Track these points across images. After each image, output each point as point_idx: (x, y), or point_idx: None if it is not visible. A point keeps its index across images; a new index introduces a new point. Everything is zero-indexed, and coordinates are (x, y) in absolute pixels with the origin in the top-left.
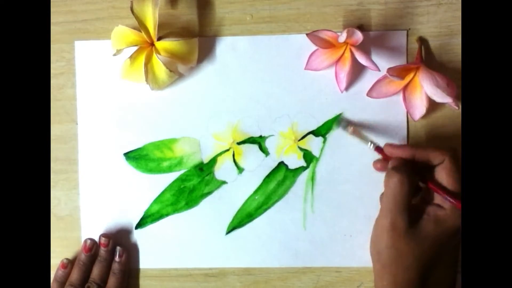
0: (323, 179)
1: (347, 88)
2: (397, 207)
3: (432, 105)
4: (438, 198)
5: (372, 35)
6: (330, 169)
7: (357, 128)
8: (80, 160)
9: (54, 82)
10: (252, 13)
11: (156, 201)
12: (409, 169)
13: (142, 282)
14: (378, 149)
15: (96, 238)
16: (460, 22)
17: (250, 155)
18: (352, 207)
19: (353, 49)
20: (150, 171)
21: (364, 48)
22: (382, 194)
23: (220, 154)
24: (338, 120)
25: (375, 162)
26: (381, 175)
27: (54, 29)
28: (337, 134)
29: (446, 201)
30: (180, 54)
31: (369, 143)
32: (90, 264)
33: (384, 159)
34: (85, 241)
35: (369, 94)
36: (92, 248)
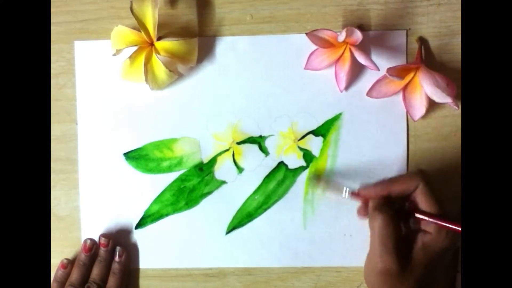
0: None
1: (346, 88)
2: (387, 248)
3: (432, 105)
4: (422, 223)
5: (372, 35)
6: (330, 169)
7: (328, 180)
8: (80, 160)
9: (54, 82)
10: (252, 13)
11: (156, 201)
12: (390, 207)
13: (142, 282)
14: (353, 194)
15: (96, 238)
16: (460, 22)
17: (250, 155)
18: (352, 207)
19: (353, 49)
20: (150, 171)
21: (364, 47)
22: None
23: (220, 154)
24: (310, 180)
25: (359, 211)
26: (381, 175)
27: (54, 29)
28: (337, 134)
29: (430, 224)
30: (179, 54)
31: (344, 191)
32: (90, 264)
33: (364, 203)
34: (85, 241)
35: (369, 94)
36: (92, 248)
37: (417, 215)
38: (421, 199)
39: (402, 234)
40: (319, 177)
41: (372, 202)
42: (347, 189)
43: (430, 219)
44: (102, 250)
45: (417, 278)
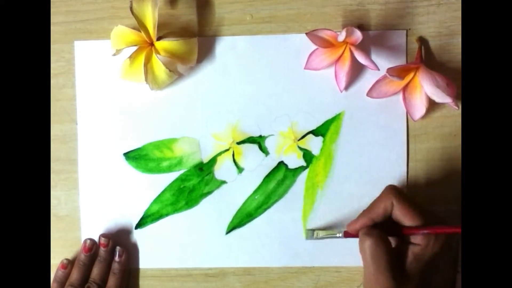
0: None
1: (346, 88)
2: (380, 268)
3: (432, 105)
4: (410, 237)
5: (372, 35)
6: (329, 169)
7: (321, 231)
8: (80, 160)
9: (54, 82)
10: (252, 13)
11: (156, 201)
12: (377, 230)
13: (142, 282)
14: (346, 233)
15: (96, 238)
16: (460, 22)
17: (250, 155)
18: (352, 207)
19: (353, 49)
20: (150, 171)
21: (364, 47)
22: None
23: (220, 153)
24: (306, 233)
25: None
26: (381, 175)
27: (54, 29)
28: (336, 134)
29: (418, 236)
30: (179, 54)
31: (337, 233)
32: (90, 264)
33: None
34: (85, 241)
35: (369, 94)
36: (92, 248)
37: (406, 232)
38: (400, 215)
39: (393, 252)
40: (313, 230)
41: (361, 231)
42: (339, 232)
43: (418, 231)
44: (102, 250)
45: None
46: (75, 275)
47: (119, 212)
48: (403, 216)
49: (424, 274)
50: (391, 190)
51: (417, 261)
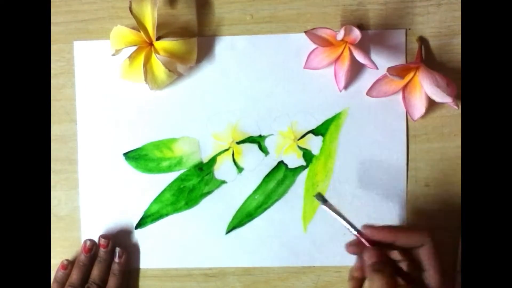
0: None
1: (346, 87)
2: None
3: (432, 105)
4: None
5: (371, 34)
6: (329, 168)
7: (333, 207)
8: (80, 160)
9: (54, 82)
10: (252, 13)
11: (156, 201)
12: (390, 268)
13: (142, 282)
14: (358, 232)
15: (96, 239)
16: (460, 22)
17: (249, 155)
18: (352, 207)
19: (352, 48)
20: (150, 171)
21: (363, 47)
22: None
23: (220, 153)
24: (317, 196)
25: (349, 246)
26: (381, 175)
27: (53, 29)
28: (336, 133)
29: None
30: (179, 53)
31: (350, 227)
32: (90, 265)
33: (359, 242)
34: (85, 242)
35: (368, 93)
36: (92, 248)
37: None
38: (424, 257)
39: None
40: (323, 199)
41: (372, 259)
42: (352, 226)
43: None
44: (101, 251)
45: None
46: (75, 276)
47: (119, 212)
48: (427, 259)
49: None
50: (431, 232)
51: None
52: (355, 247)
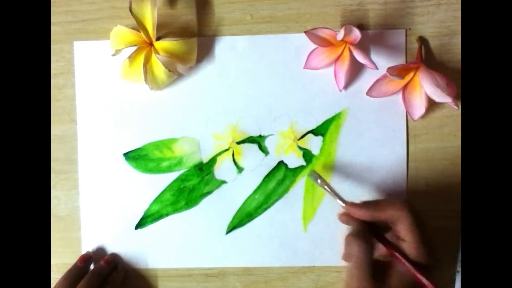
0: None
1: (346, 87)
2: (363, 274)
3: (432, 105)
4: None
5: (371, 34)
6: (329, 168)
7: (327, 183)
8: (80, 160)
9: (54, 82)
10: (252, 13)
11: (156, 201)
12: (367, 235)
13: (142, 282)
14: (347, 206)
15: (96, 239)
16: (460, 22)
17: (249, 155)
18: None
19: (352, 48)
20: (150, 171)
21: (363, 47)
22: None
23: (220, 153)
24: (311, 174)
25: (340, 216)
26: (381, 175)
27: (54, 29)
28: (336, 133)
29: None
30: (179, 54)
31: (342, 202)
32: (81, 277)
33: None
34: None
35: (368, 93)
36: (88, 261)
37: (396, 254)
38: (402, 230)
39: (379, 259)
40: (318, 176)
41: (351, 228)
42: (342, 201)
43: (406, 264)
44: (102, 266)
45: None
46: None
47: (119, 212)
48: (404, 231)
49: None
50: (406, 204)
51: (400, 278)
52: (345, 217)
